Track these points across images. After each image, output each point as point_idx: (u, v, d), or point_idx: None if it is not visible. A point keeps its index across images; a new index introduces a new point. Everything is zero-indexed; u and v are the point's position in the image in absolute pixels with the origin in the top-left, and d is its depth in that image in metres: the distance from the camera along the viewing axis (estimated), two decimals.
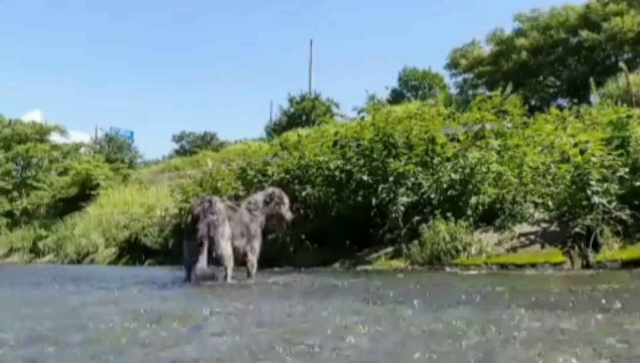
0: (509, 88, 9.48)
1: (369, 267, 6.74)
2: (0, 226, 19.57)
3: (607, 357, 1.72)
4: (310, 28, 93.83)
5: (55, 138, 25.69)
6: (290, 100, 29.86)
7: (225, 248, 4.69)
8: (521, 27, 24.11)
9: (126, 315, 2.84)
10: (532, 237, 6.28)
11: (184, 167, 20.61)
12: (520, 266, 5.74)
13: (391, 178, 7.09)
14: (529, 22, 23.82)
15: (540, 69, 23.18)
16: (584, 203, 5.97)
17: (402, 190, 7.00)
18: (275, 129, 27.21)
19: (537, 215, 6.61)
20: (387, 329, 2.30)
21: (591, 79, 13.48)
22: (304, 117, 27.81)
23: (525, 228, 6.47)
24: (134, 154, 39.00)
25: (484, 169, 6.91)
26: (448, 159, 7.25)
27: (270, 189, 5.69)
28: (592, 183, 5.91)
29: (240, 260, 5.05)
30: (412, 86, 35.73)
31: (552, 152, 7.25)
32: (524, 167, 7.06)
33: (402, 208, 6.89)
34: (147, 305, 3.30)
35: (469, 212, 6.74)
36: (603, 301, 2.98)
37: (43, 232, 16.69)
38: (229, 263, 4.73)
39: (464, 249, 6.32)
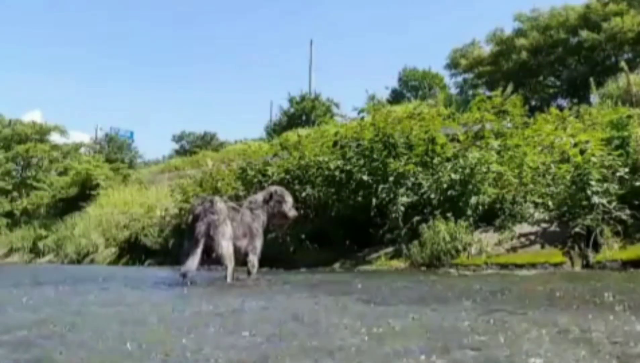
0: (509, 88, 9.46)
1: (369, 267, 6.74)
2: (0, 226, 19.55)
3: (607, 357, 1.73)
4: (310, 28, 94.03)
5: (55, 138, 25.66)
6: (290, 100, 29.88)
7: (226, 248, 4.69)
8: (521, 27, 24.09)
9: (126, 315, 2.84)
10: (532, 237, 6.27)
11: (184, 167, 20.61)
12: (520, 266, 5.74)
13: (391, 178, 7.09)
14: (529, 22, 23.81)
15: (540, 69, 23.17)
16: (584, 203, 5.97)
17: (402, 190, 6.99)
18: (275, 129, 27.22)
19: (537, 215, 6.60)
20: (387, 329, 2.31)
21: (591, 79, 13.52)
22: (304, 118, 27.81)
23: (525, 228, 6.46)
24: (134, 154, 39.00)
25: (484, 169, 6.91)
26: (448, 160, 7.24)
27: (272, 188, 5.67)
28: (592, 183, 5.91)
29: (242, 259, 5.05)
30: (412, 86, 35.79)
31: (552, 152, 7.25)
32: (524, 167, 7.05)
33: (402, 208, 6.89)
34: (147, 305, 3.30)
35: (469, 212, 6.73)
36: (603, 301, 2.98)
37: (43, 232, 16.66)
38: (230, 263, 4.73)
39: (464, 249, 6.31)
